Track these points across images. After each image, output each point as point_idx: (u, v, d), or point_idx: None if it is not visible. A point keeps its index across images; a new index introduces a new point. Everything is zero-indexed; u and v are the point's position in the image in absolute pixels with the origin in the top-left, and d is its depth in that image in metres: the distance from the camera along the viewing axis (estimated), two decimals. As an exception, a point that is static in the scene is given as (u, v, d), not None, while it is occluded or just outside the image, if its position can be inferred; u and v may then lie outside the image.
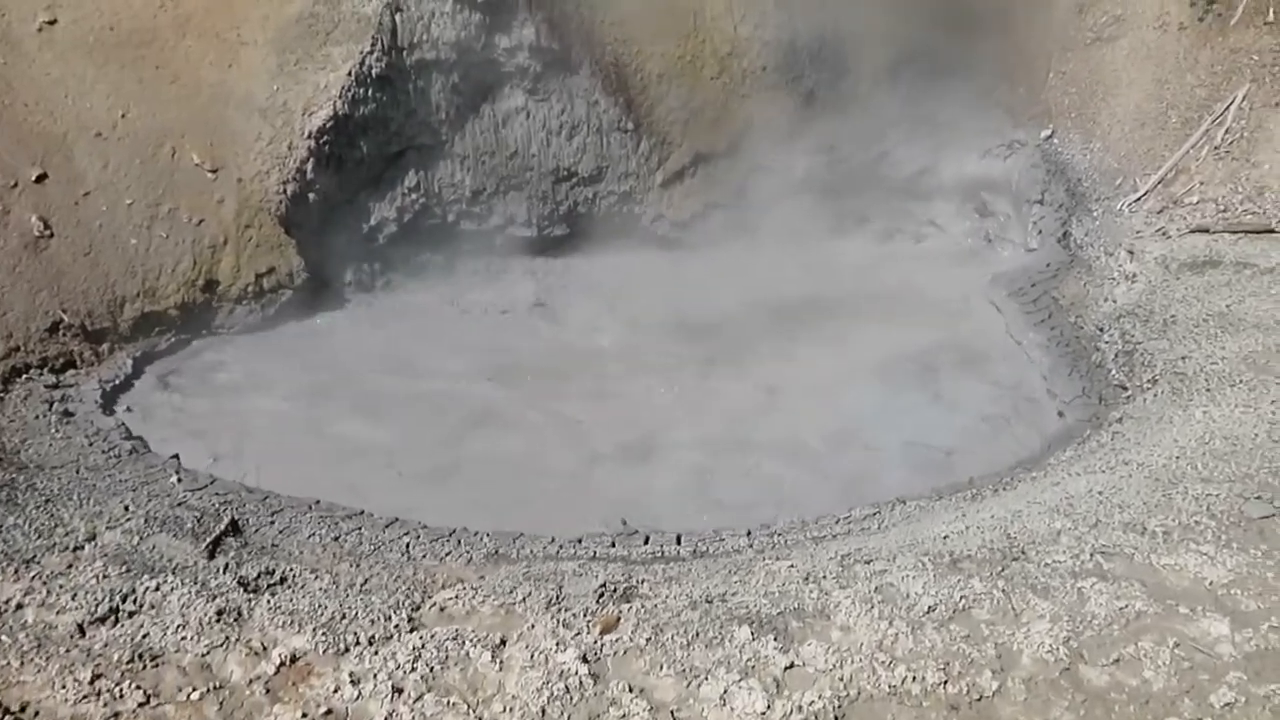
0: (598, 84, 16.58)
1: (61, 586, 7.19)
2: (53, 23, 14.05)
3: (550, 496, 10.02)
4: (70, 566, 7.56)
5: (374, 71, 14.81)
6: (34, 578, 7.34)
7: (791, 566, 7.07)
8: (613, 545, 8.42)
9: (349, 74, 14.76)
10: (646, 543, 8.43)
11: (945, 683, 5.63)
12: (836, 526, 8.41)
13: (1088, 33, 16.49)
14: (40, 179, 13.30)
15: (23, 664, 6.14)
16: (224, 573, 7.54)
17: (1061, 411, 10.97)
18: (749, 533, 8.47)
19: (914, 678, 5.63)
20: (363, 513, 9.03)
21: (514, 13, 15.64)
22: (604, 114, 16.75)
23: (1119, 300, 12.42)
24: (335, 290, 15.53)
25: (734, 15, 16.99)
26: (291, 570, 7.63)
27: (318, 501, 9.26)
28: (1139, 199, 14.57)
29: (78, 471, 9.67)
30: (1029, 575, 6.47)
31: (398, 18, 14.94)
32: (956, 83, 16.73)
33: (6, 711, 5.83)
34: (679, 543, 8.40)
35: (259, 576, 7.52)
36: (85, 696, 5.84)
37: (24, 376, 11.89)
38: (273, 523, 8.77)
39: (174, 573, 7.43)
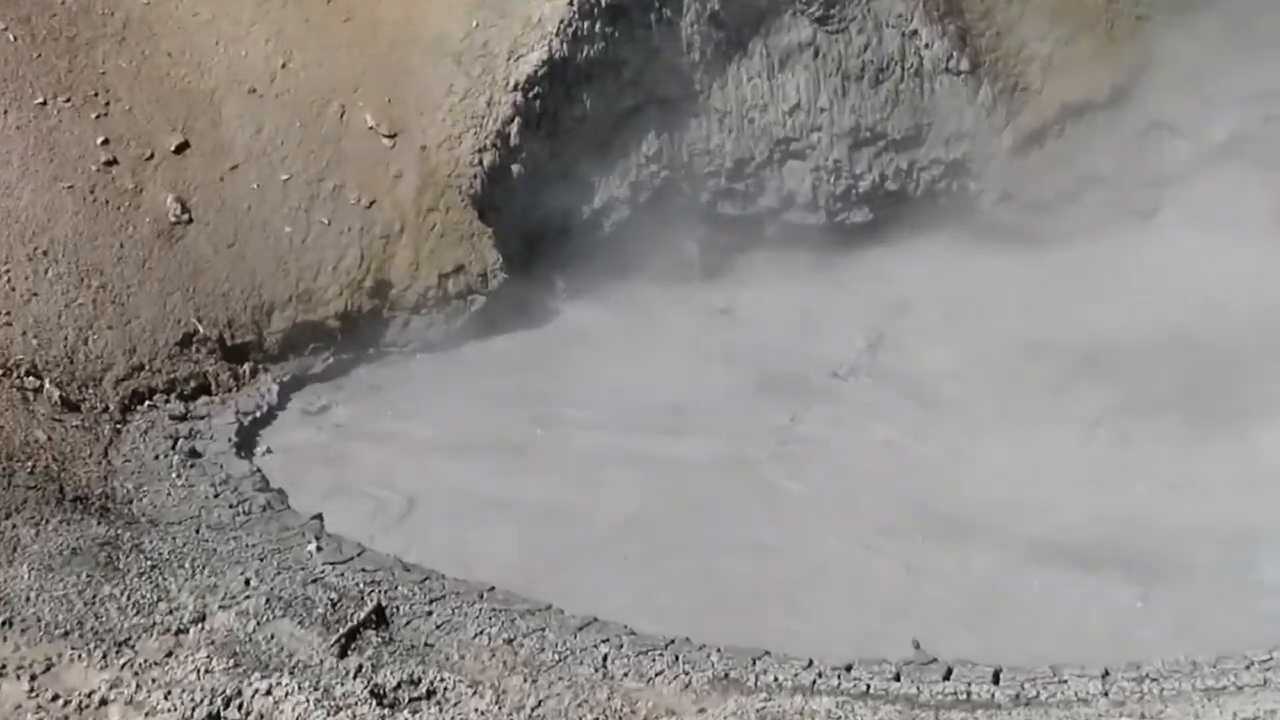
0: (916, 6, 16.28)
1: (155, 681, 7.40)
2: (206, -49, 15.34)
3: (809, 593, 9.81)
4: (169, 655, 7.75)
5: (603, -2, 15.19)
6: (125, 665, 7.60)
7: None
8: (896, 678, 8.29)
9: (569, 2, 15.07)
10: (948, 677, 8.26)
11: None
12: (1247, 674, 8.02)
13: None
14: (180, 149, 14.20)
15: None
16: (355, 676, 7.62)
17: None
18: (1105, 674, 8.16)
19: None
20: (549, 608, 8.96)
21: (798, -92, 15.68)
22: (925, 49, 16.48)
23: None
24: (543, 297, 15.73)
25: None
26: (444, 681, 7.62)
27: (492, 589, 9.24)
28: None
29: (197, 530, 9.99)
30: None
31: (637, -78, 15.22)
32: None
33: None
34: (996, 681, 8.20)
35: (399, 686, 7.54)
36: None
37: (147, 403, 12.55)
38: (430, 613, 8.74)
39: (292, 672, 7.48)
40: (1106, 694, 7.96)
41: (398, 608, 8.90)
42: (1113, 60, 16.88)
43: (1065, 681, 8.12)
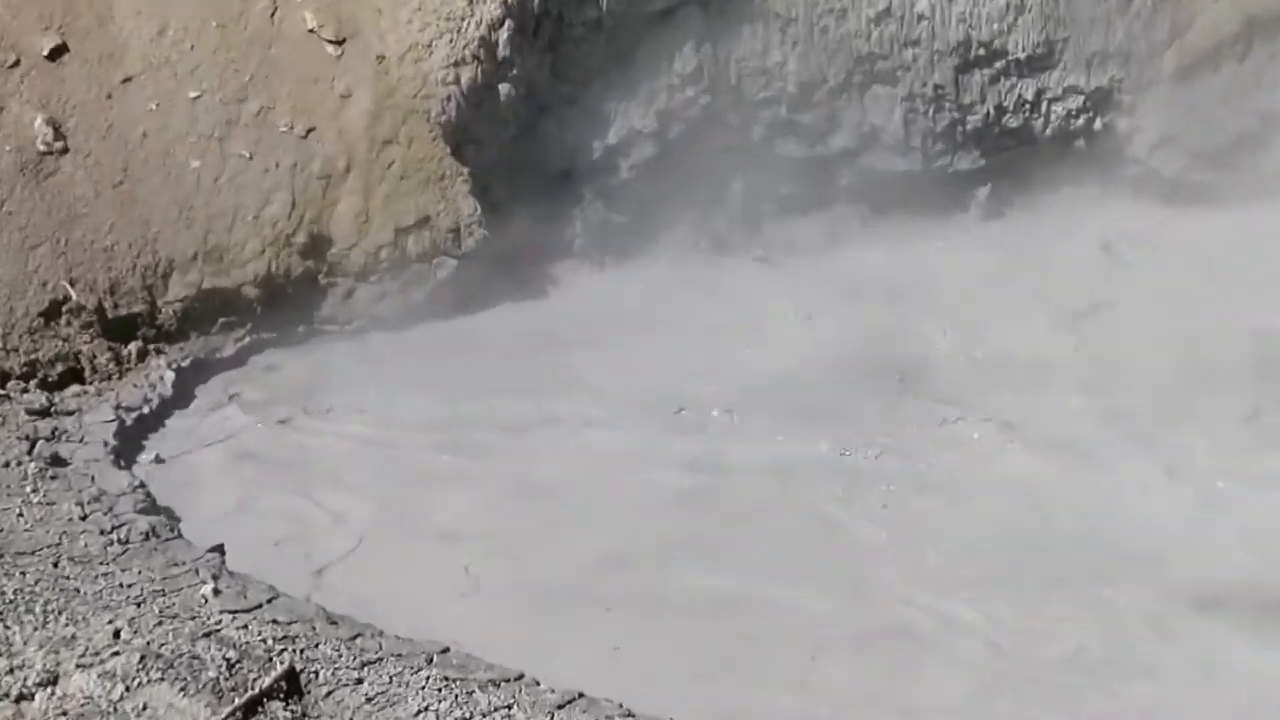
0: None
1: (-20, 768, 7.43)
2: None
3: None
4: (3, 731, 7.60)
5: None
6: (-59, 746, 7.62)
7: None
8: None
9: None
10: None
11: None
12: None
13: None
14: (55, 54, 14.11)
15: None
16: (253, 772, 7.39)
17: None
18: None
19: None
20: (521, 677, 8.73)
21: None
22: (1060, -65, 16.63)
23: None
24: (535, 264, 15.74)
25: None
26: (377, 780, 7.44)
27: (445, 650, 9.05)
28: None
29: (55, 564, 9.87)
30: None
31: None
32: None
33: None
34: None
35: (314, 789, 7.40)
36: None
37: (-1, 391, 12.52)
38: (360, 681, 8.52)
39: (165, 764, 7.14)
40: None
41: (317, 673, 8.67)
42: (1317, -41, 16.86)
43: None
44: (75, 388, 13.08)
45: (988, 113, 17.11)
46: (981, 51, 16.82)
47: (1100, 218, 17.18)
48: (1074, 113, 17.30)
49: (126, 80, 14.41)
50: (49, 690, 8.18)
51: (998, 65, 16.94)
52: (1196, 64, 17.22)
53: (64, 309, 13.36)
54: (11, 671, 8.33)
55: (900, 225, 17.04)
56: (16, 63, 14.14)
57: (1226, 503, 11.89)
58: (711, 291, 15.84)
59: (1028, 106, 17.22)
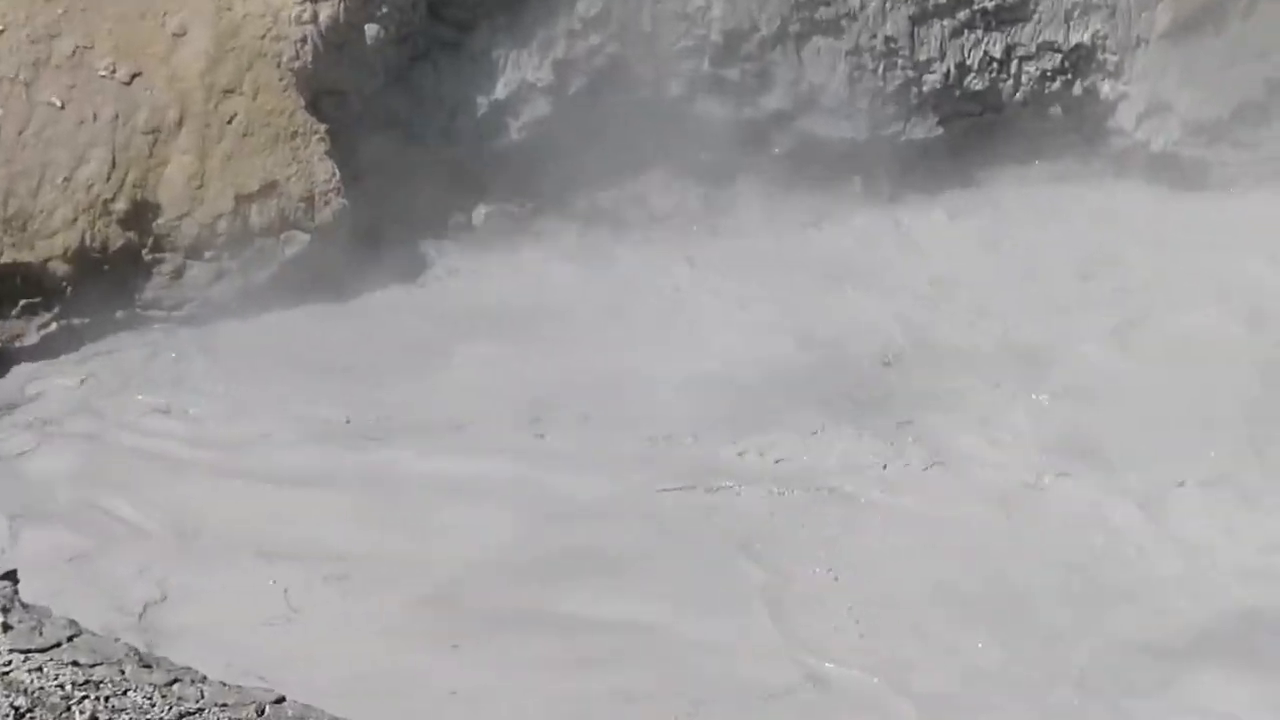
0: None
1: None
2: None
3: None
4: None
5: None
6: None
7: None
8: None
9: None
10: None
11: None
12: None
13: None
14: None
15: None
16: None
17: None
18: None
19: None
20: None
21: None
22: None
23: None
24: (409, 241, 15.80)
25: None
26: None
27: (280, 699, 8.45)
28: None
29: None
30: None
31: None
32: None
33: None
34: None
35: None
36: None
37: None
38: (173, 740, 8.29)
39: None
40: None
41: (119, 729, 8.87)
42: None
43: None
44: None
45: (948, 72, 17.09)
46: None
47: (1079, 199, 17.29)
48: (1049, 74, 17.29)
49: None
50: None
51: (960, 15, 16.96)
52: (1194, 20, 17.16)
53: None
54: None
55: (844, 202, 17.14)
56: None
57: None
58: (616, 277, 15.98)
59: (995, 65, 17.21)
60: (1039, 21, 17.29)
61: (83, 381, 14.05)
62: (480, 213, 16.36)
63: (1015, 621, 11.28)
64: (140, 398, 13.73)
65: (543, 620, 11.16)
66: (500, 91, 16.26)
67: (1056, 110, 17.58)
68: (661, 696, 10.43)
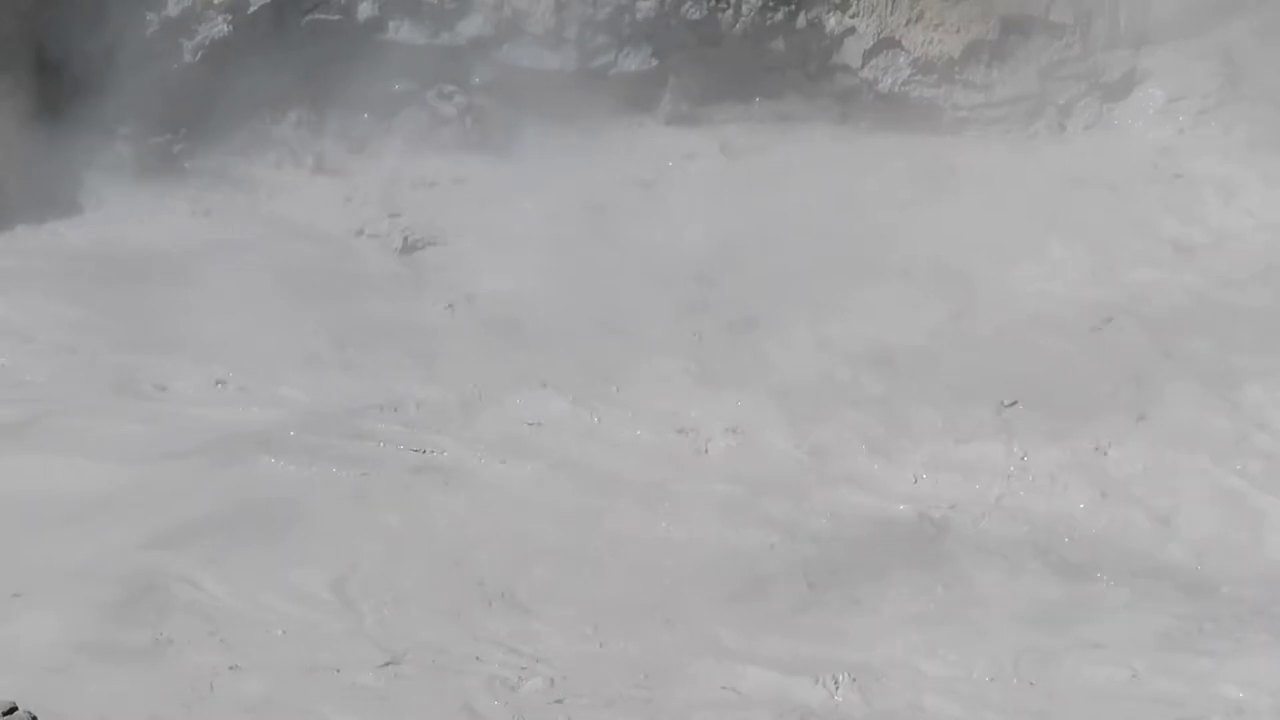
0: None
1: None
2: None
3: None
4: None
5: None
6: None
7: None
8: None
9: None
10: None
11: None
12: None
13: None
14: None
15: None
16: None
17: None
18: None
19: None
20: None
21: None
22: None
23: None
24: (80, 183, 15.53)
25: None
26: None
27: (11, 709, 8.29)
28: None
29: None
30: None
31: None
32: None
33: None
34: None
35: None
36: None
37: None
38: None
39: None
40: None
41: None
42: None
43: None
44: None
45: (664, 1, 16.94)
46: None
47: (803, 140, 17.34)
48: (771, 4, 17.23)
49: None
50: None
51: (685, -66, 16.85)
52: (929, -47, 17.48)
53: None
54: None
55: (552, 138, 16.96)
56: None
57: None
58: (295, 228, 15.91)
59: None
60: (765, -52, 17.49)
61: None
62: (151, 148, 16.15)
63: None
64: None
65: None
66: (172, 8, 16.00)
67: (779, 44, 17.54)
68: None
